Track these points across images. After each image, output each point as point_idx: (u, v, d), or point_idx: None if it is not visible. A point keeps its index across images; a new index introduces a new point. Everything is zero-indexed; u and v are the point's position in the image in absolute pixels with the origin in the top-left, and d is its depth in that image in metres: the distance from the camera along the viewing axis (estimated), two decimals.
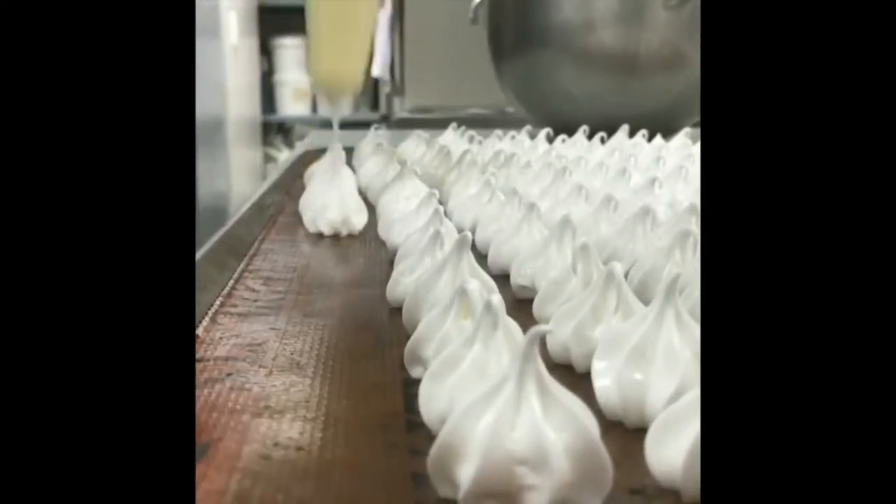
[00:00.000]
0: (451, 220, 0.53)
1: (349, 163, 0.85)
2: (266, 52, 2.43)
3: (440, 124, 1.00)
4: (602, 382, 0.29)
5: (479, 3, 1.16)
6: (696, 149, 0.76)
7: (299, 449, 0.26)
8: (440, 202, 0.51)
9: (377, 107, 2.33)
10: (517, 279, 0.43)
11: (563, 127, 0.91)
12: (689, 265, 0.39)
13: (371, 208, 0.63)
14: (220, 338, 0.37)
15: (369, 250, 0.55)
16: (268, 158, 2.44)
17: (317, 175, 0.63)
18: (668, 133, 0.88)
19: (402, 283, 0.41)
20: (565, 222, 0.42)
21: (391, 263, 0.45)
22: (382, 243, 0.54)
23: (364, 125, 1.10)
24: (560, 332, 0.33)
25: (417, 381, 0.28)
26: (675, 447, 0.24)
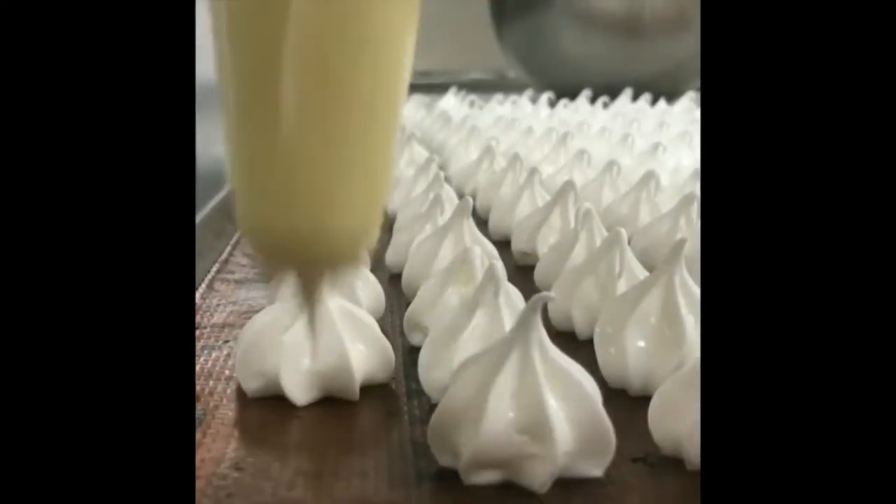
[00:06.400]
0: (451, 185, 0.52)
1: None
2: None
3: (440, 88, 0.98)
4: (605, 350, 0.29)
5: None
6: None
7: (296, 416, 0.26)
8: (440, 167, 0.50)
9: None
10: (518, 245, 0.43)
11: (565, 91, 0.90)
12: (693, 231, 0.39)
13: None
14: (217, 305, 0.36)
15: None
16: None
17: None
18: (673, 97, 0.87)
19: (401, 249, 0.40)
20: (567, 188, 0.42)
21: (391, 229, 0.45)
22: None
23: None
24: (562, 298, 0.33)
25: (417, 349, 0.28)
26: (678, 415, 0.23)
